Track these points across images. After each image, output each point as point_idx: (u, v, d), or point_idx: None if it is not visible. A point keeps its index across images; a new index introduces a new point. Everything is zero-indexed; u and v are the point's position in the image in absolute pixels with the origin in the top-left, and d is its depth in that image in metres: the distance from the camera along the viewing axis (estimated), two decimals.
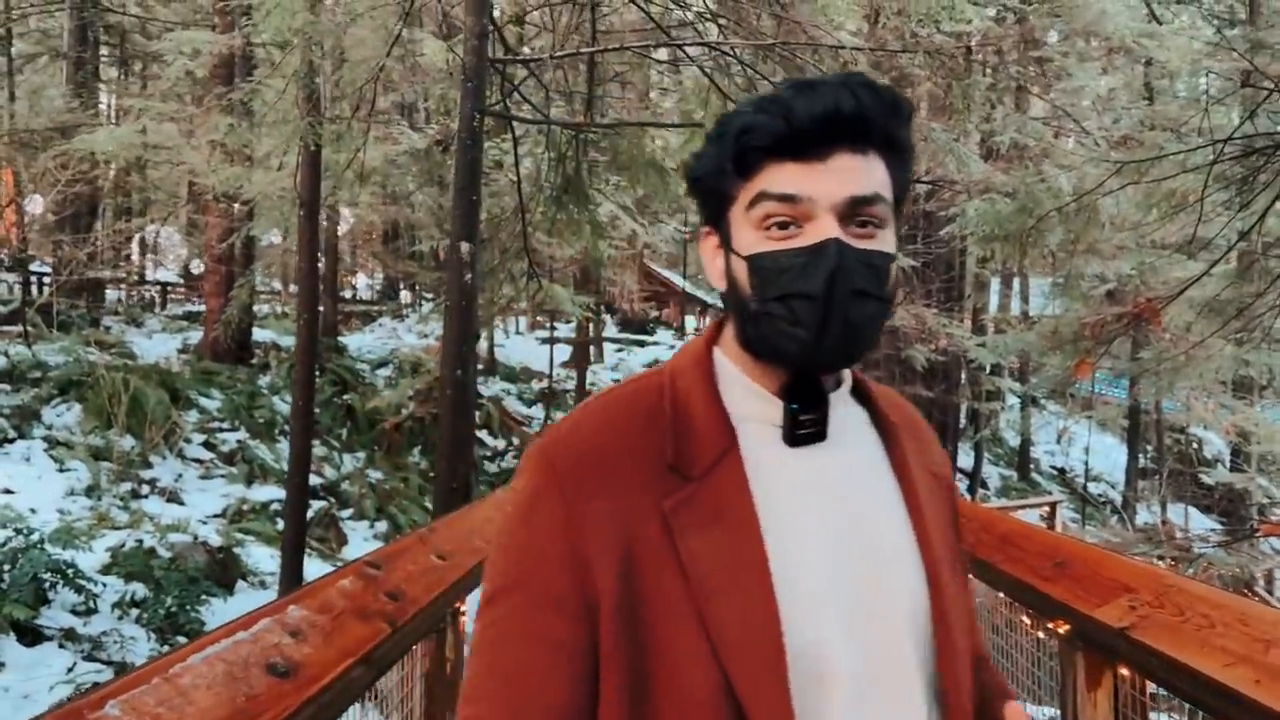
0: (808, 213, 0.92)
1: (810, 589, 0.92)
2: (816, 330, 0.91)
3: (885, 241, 0.96)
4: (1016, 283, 25.35)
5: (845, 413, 1.05)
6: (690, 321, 37.30)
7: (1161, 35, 16.77)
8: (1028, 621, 2.98)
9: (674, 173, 8.86)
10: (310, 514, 9.29)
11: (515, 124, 8.24)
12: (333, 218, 15.07)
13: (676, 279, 35.30)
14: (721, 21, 7.40)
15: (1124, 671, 2.15)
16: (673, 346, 29.03)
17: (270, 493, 10.21)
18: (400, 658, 2.30)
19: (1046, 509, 13.74)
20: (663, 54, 11.93)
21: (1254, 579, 15.60)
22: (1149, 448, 28.14)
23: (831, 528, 0.96)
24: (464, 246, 5.50)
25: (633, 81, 9.75)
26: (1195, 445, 29.89)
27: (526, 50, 10.42)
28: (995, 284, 25.13)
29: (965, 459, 23.69)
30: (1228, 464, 31.35)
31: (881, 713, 0.93)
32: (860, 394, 1.09)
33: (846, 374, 1.07)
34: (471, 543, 3.10)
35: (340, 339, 16.15)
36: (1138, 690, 2.19)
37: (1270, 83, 5.26)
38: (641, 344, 28.78)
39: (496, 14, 6.63)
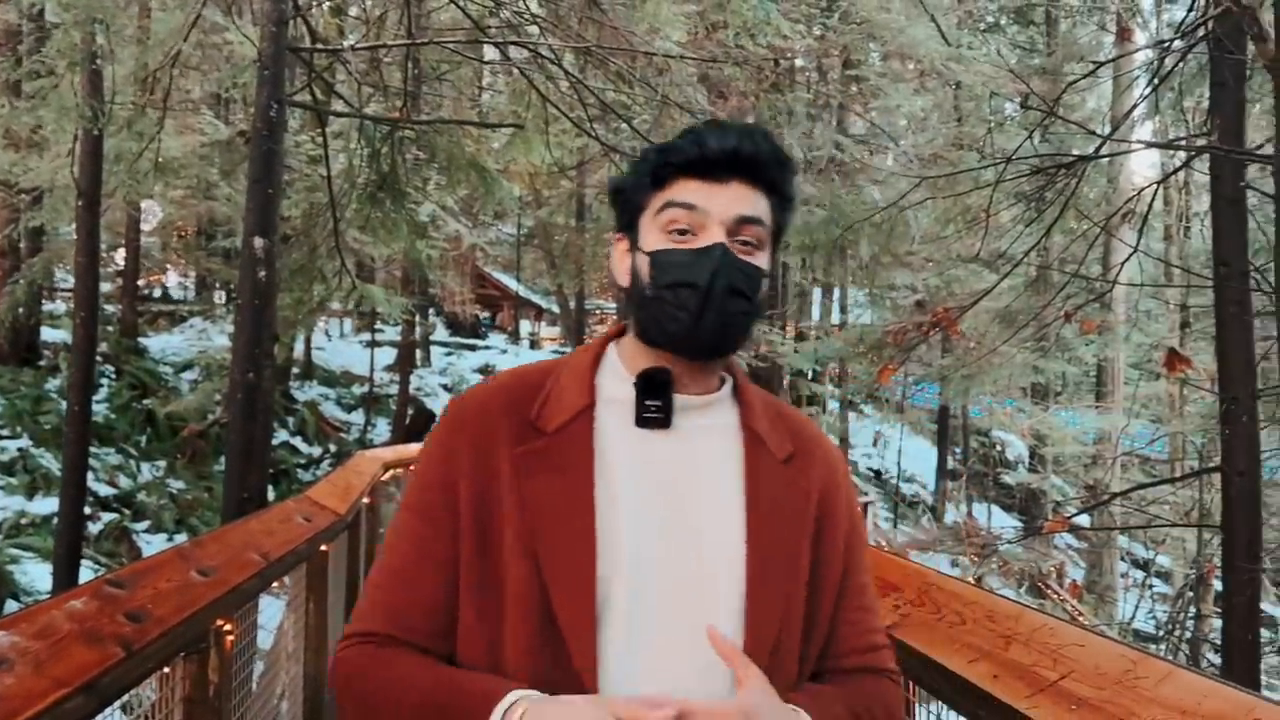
0: (703, 223, 1.13)
1: (619, 539, 1.11)
2: (696, 315, 1.11)
3: (761, 260, 1.16)
4: (836, 293, 26.38)
5: (712, 412, 1.22)
6: (525, 325, 36.98)
7: (967, 60, 17.79)
8: None
9: (498, 174, 8.72)
10: (98, 527, 8.64)
11: (329, 117, 7.92)
12: (133, 211, 14.14)
13: (511, 283, 34.97)
14: (541, 24, 7.33)
15: None
16: (505, 351, 28.67)
17: (54, 505, 9.41)
18: (137, 684, 2.10)
19: (859, 509, 14.36)
20: (493, 54, 11.78)
21: (1047, 573, 16.71)
22: (957, 450, 29.76)
23: (656, 504, 1.14)
24: (258, 242, 5.20)
25: (451, 80, 9.55)
26: (999, 448, 31.72)
27: (348, 43, 10.06)
28: (817, 294, 26.06)
29: None
30: (1027, 466, 33.51)
31: (665, 653, 1.11)
32: (741, 399, 1.25)
33: (728, 379, 1.25)
34: (244, 556, 2.90)
35: (141, 340, 15.13)
36: (904, 688, 2.24)
37: (1047, 106, 5.60)
38: (473, 348, 28.24)
39: (302, 1, 6.33)
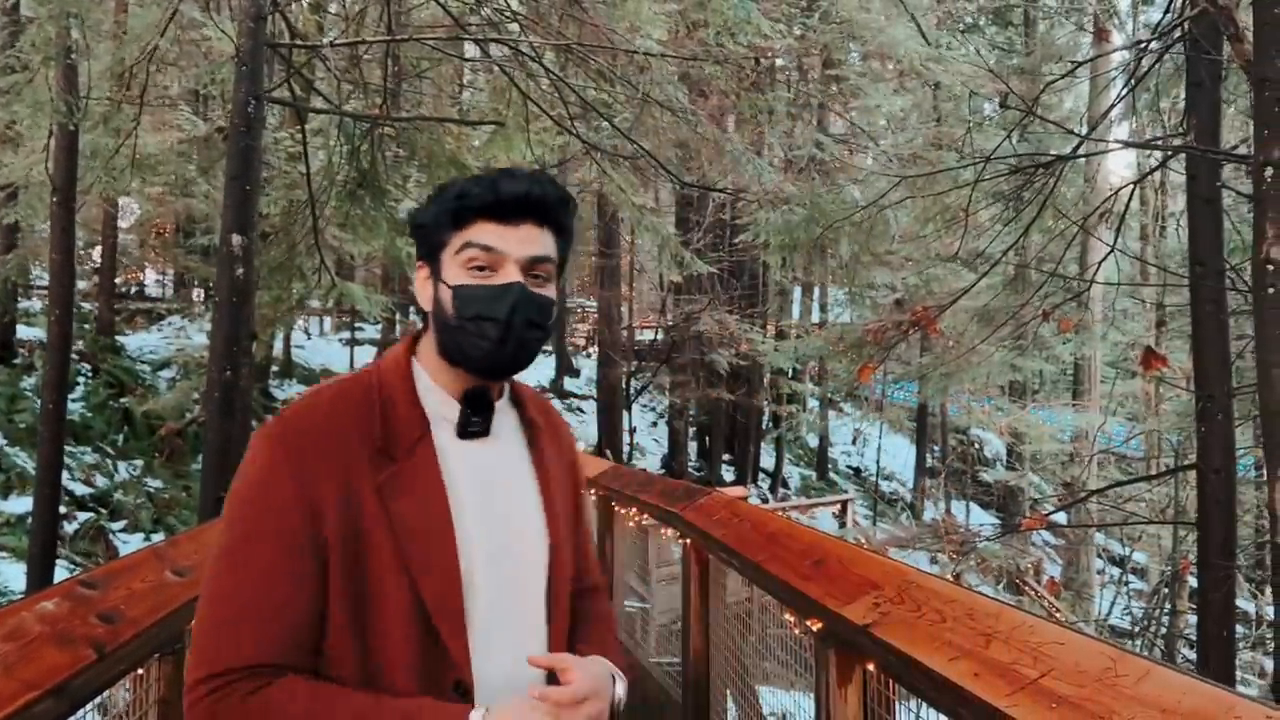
0: (500, 262, 1.27)
1: (471, 539, 1.28)
2: (497, 344, 1.27)
3: (551, 291, 1.33)
4: (816, 291, 26.43)
5: (503, 417, 1.42)
6: None
7: (946, 60, 17.87)
8: (791, 620, 3.03)
9: (478, 172, 8.68)
10: (74, 526, 8.54)
11: (308, 114, 7.86)
12: (110, 208, 14.00)
13: None
14: (522, 21, 7.30)
15: (870, 667, 2.19)
16: None
17: (29, 504, 9.31)
18: (110, 686, 2.07)
19: (839, 507, 14.37)
20: (474, 51, 11.73)
21: (1024, 570, 16.80)
22: (935, 448, 29.90)
23: (490, 503, 1.33)
24: (235, 239, 5.16)
25: (431, 78, 9.49)
26: (976, 446, 31.86)
27: (327, 39, 9.98)
28: (797, 293, 26.11)
29: (767, 459, 24.50)
30: (1005, 463, 33.69)
31: (513, 625, 1.33)
32: (516, 400, 1.46)
33: (507, 385, 1.44)
34: (198, 573, 2.87)
35: (118, 338, 14.99)
36: (884, 686, 2.24)
37: (1026, 106, 5.63)
38: None
39: None
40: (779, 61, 17.30)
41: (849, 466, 30.97)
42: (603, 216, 17.84)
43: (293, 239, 7.97)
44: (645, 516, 5.20)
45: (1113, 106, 7.09)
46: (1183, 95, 6.71)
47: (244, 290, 5.23)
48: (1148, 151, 9.05)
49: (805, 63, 17.34)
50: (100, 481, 11.01)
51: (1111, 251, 6.97)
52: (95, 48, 6.72)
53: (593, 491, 6.37)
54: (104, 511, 10.36)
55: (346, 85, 7.91)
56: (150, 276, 32.27)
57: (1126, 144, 7.71)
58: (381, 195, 8.12)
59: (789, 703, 4.50)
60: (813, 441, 29.66)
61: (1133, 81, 6.15)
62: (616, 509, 5.87)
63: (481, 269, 1.27)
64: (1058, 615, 15.98)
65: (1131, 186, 7.35)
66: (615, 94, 7.38)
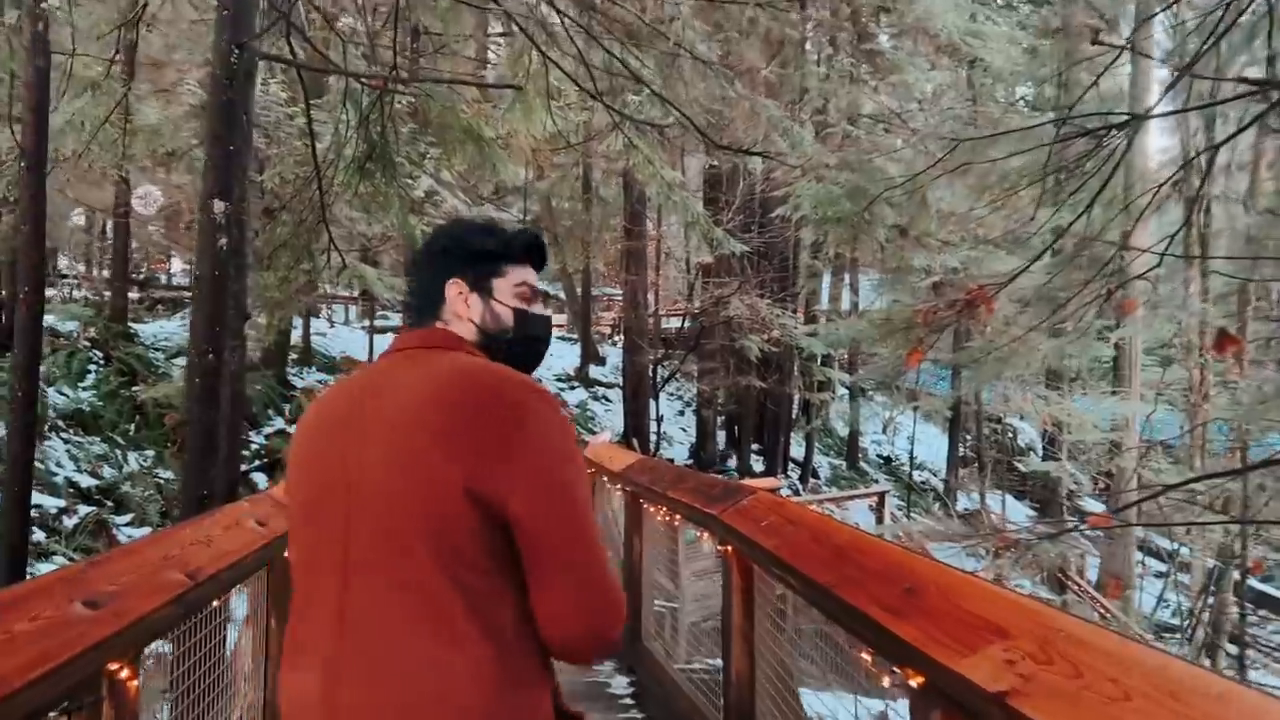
0: (535, 296, 1.68)
1: None
2: (539, 357, 1.70)
3: None
4: (847, 276, 25.69)
5: None
6: None
7: (986, 35, 17.14)
8: (867, 659, 2.46)
9: (495, 144, 8.13)
10: (74, 521, 8.12)
11: (313, 81, 7.33)
12: (122, 188, 13.58)
13: None
14: None
15: None
16: None
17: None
18: None
19: (874, 499, 13.74)
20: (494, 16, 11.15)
21: (1068, 564, 16.10)
22: (968, 437, 29.17)
23: None
24: (217, 205, 4.62)
25: (447, 42, 8.93)
26: (1011, 435, 31.14)
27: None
28: (826, 279, 25.40)
29: (797, 449, 23.86)
30: (1040, 452, 32.90)
31: None
32: None
33: None
34: (160, 577, 2.34)
35: (133, 325, 14.58)
36: None
37: (1123, 44, 5.00)
38: None
39: None
40: (810, 33, 16.62)
41: (879, 456, 30.27)
42: (629, 198, 17.22)
43: (298, 214, 7.45)
44: (677, 517, 4.64)
45: (1198, 57, 6.40)
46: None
47: (226, 262, 4.69)
48: (1224, 113, 8.33)
49: (839, 37, 16.65)
50: (107, 472, 10.59)
51: (1185, 225, 6.33)
52: (76, 11, 6.20)
53: (619, 487, 5.81)
54: (109, 504, 9.94)
55: (355, 50, 7.37)
56: (177, 265, 32.05)
57: (1241, 80, 7.00)
58: (393, 169, 7.58)
59: (832, 705, 3.94)
60: (843, 430, 28.98)
61: (1222, 26, 5.48)
62: (645, 506, 5.31)
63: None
64: (1109, 616, 15.28)
65: (1212, 152, 6.68)
66: (643, 55, 6.80)
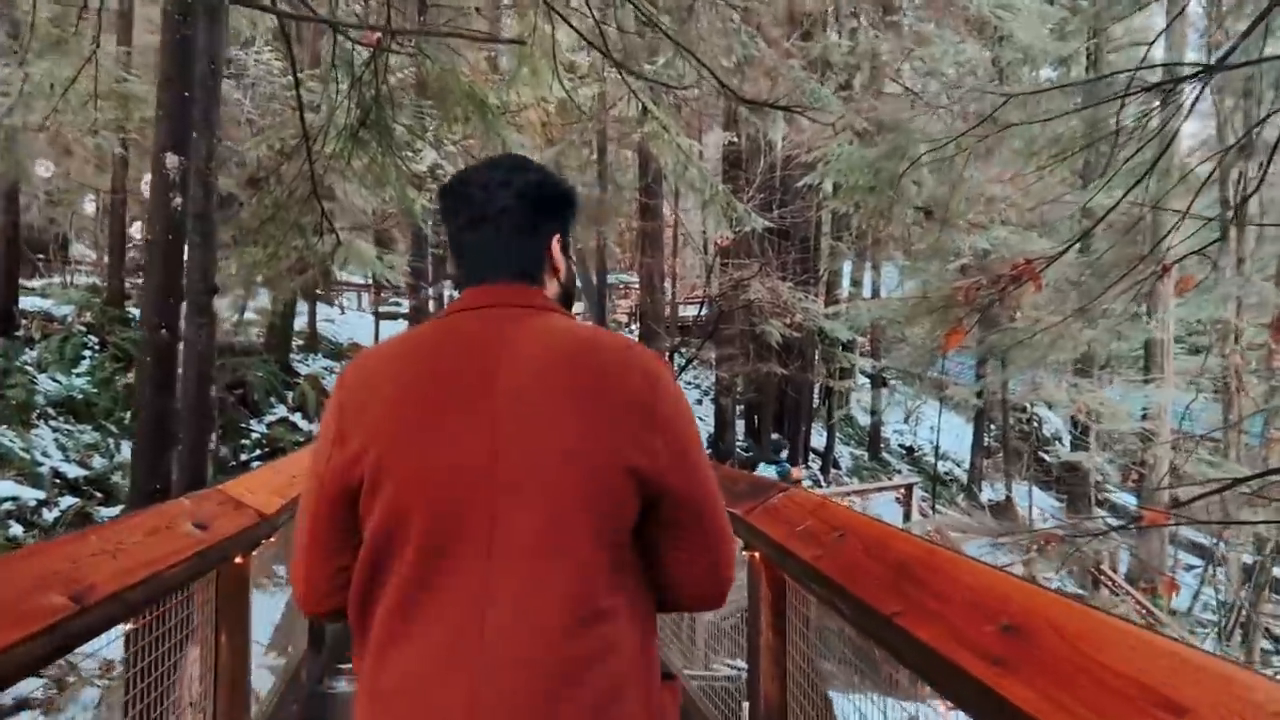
0: None
1: None
2: None
3: None
4: (869, 261, 24.97)
5: None
6: None
7: (1016, 8, 16.44)
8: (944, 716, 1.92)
9: (499, 112, 7.57)
10: (54, 514, 7.66)
11: (306, 45, 6.79)
12: (118, 168, 13.11)
13: None
14: None
15: None
16: None
17: (7, 488, 8.43)
18: None
19: (901, 491, 13.15)
20: None
21: (1100, 559, 15.48)
22: (992, 426, 28.58)
23: None
24: (171, 160, 4.07)
25: (450, 4, 8.37)
26: (1036, 424, 30.53)
27: None
28: (848, 266, 24.75)
29: (817, 439, 23.27)
30: (1065, 441, 32.32)
31: None
32: None
33: None
34: (28, 603, 1.81)
35: (130, 310, 14.08)
36: None
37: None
38: None
39: None
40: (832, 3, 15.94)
41: (901, 446, 29.66)
42: (644, 177, 16.56)
43: (286, 185, 6.92)
44: None
45: (1267, 11, 5.77)
46: None
47: (181, 224, 4.15)
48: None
49: (863, 8, 15.96)
50: (98, 462, 10.13)
51: (1256, 190, 5.73)
52: None
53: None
54: (98, 495, 9.47)
55: (347, 7, 6.82)
56: None
57: None
58: (390, 138, 7.04)
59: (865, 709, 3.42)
60: (864, 420, 28.37)
61: None
62: None
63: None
64: (1151, 617, 14.67)
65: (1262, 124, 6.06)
66: (659, 9, 6.21)
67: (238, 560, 3.13)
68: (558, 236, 1.48)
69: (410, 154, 8.06)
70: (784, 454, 18.70)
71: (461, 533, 1.23)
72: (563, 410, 1.25)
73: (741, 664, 5.43)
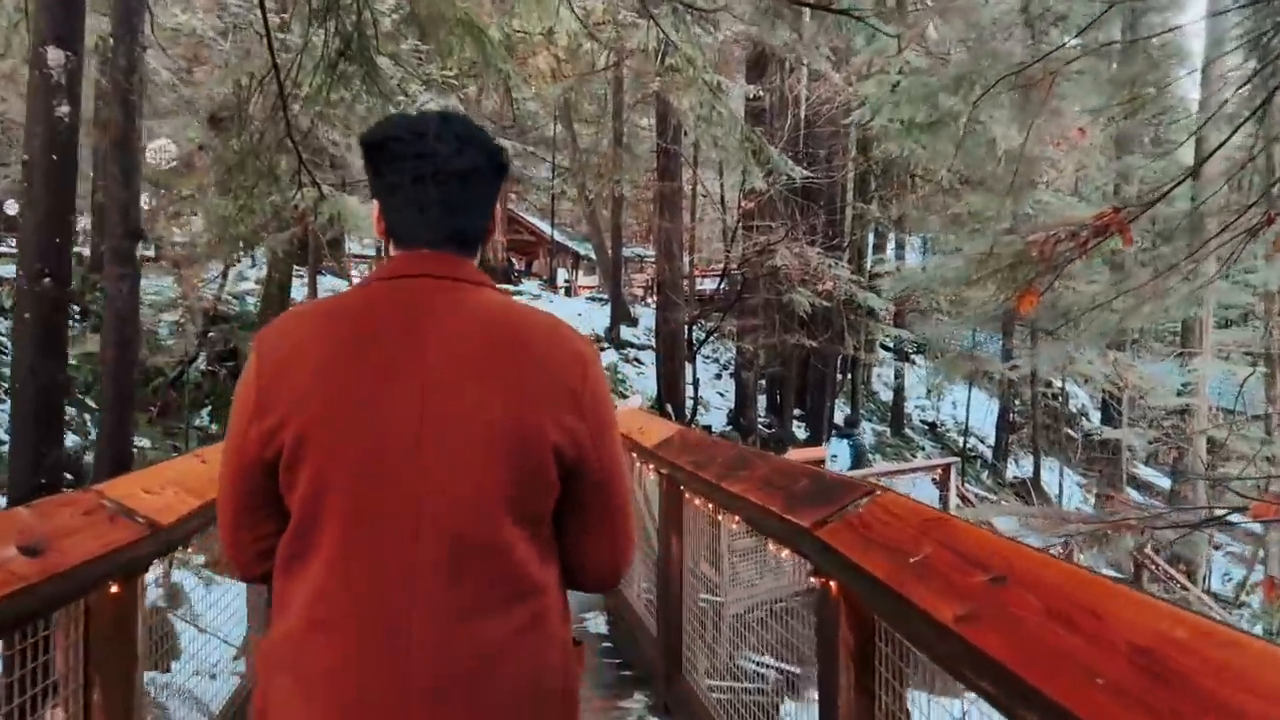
0: None
1: None
2: None
3: None
4: (892, 236, 23.88)
5: None
6: (562, 274, 34.89)
7: None
8: None
9: (498, 45, 6.64)
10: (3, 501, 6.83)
11: None
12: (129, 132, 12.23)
13: (545, 227, 32.88)
14: None
15: None
16: (538, 296, 26.62)
17: None
18: None
19: (939, 471, 12.24)
20: None
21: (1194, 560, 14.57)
22: (1017, 401, 27.77)
23: None
24: (52, 55, 3.13)
25: None
26: (1062, 399, 29.89)
27: None
28: (871, 236, 23.79)
29: (839, 414, 22.42)
30: (1091, 417, 31.60)
31: None
32: None
33: None
34: None
35: None
36: None
37: None
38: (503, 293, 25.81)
39: None
40: None
41: (923, 421, 28.79)
42: (662, 134, 15.43)
43: (256, 128, 6.03)
44: (736, 519, 3.19)
45: None
46: None
47: (70, 137, 3.24)
48: None
49: None
50: (70, 441, 9.34)
51: None
52: None
53: (653, 469, 4.39)
54: (69, 477, 8.67)
55: None
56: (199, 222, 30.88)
57: None
58: (374, 72, 6.13)
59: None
60: (885, 395, 27.60)
61: None
62: (688, 498, 3.86)
63: None
64: (1212, 610, 13.80)
65: None
66: None
67: (113, 590, 2.28)
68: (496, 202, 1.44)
69: (404, 97, 7.14)
70: (860, 432, 17.85)
71: (387, 511, 1.22)
72: (490, 389, 1.24)
73: (770, 660, 4.62)
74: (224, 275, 12.79)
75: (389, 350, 1.23)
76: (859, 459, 12.51)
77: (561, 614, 1.32)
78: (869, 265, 19.12)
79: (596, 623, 5.69)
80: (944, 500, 11.82)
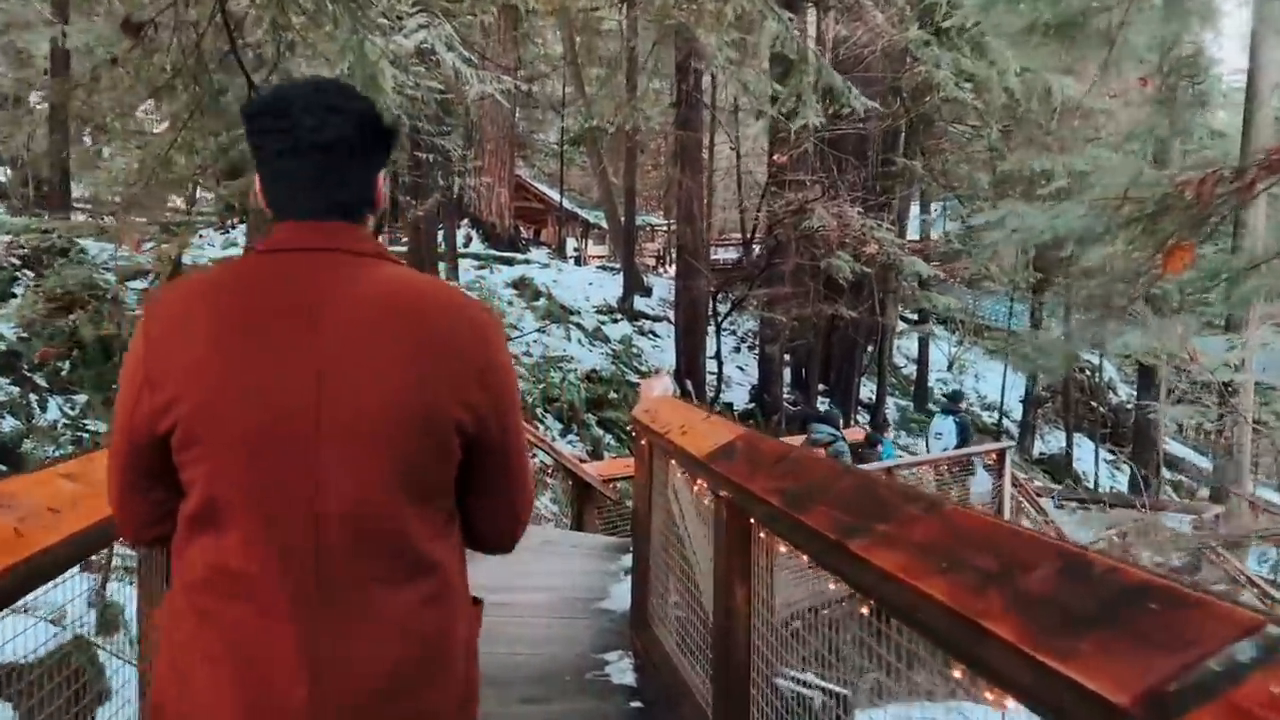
0: None
1: None
2: None
3: None
4: (928, 206, 22.44)
5: None
6: (571, 243, 33.56)
7: None
8: None
9: None
10: None
11: None
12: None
13: (555, 195, 31.51)
14: None
15: None
16: (546, 265, 25.19)
17: None
18: None
19: (993, 456, 10.99)
20: None
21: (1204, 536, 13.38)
22: (1041, 374, 26.76)
23: None
24: None
25: None
26: (1089, 372, 29.03)
27: None
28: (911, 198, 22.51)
29: (865, 389, 21.22)
30: (1119, 391, 30.64)
31: None
32: None
33: None
34: None
35: (79, 240, 11.95)
36: None
37: None
38: (510, 261, 24.20)
39: None
40: None
41: (944, 395, 27.71)
42: (683, 79, 13.80)
43: (186, 44, 4.74)
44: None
45: None
46: None
47: None
48: None
49: None
50: (8, 425, 8.15)
51: None
52: None
53: (699, 482, 3.13)
54: (3, 468, 7.50)
55: None
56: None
57: None
58: None
59: None
60: (908, 370, 26.54)
61: None
62: (764, 538, 2.59)
63: None
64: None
65: None
66: None
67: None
68: (383, 171, 1.39)
69: (387, 22, 5.85)
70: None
71: (286, 488, 1.20)
72: (390, 363, 1.23)
73: (813, 677, 3.56)
74: (185, 223, 11.48)
75: (281, 325, 1.21)
76: (964, 439, 11.12)
77: (461, 582, 1.33)
78: (909, 228, 17.70)
79: (621, 668, 4.47)
80: (998, 489, 10.58)
